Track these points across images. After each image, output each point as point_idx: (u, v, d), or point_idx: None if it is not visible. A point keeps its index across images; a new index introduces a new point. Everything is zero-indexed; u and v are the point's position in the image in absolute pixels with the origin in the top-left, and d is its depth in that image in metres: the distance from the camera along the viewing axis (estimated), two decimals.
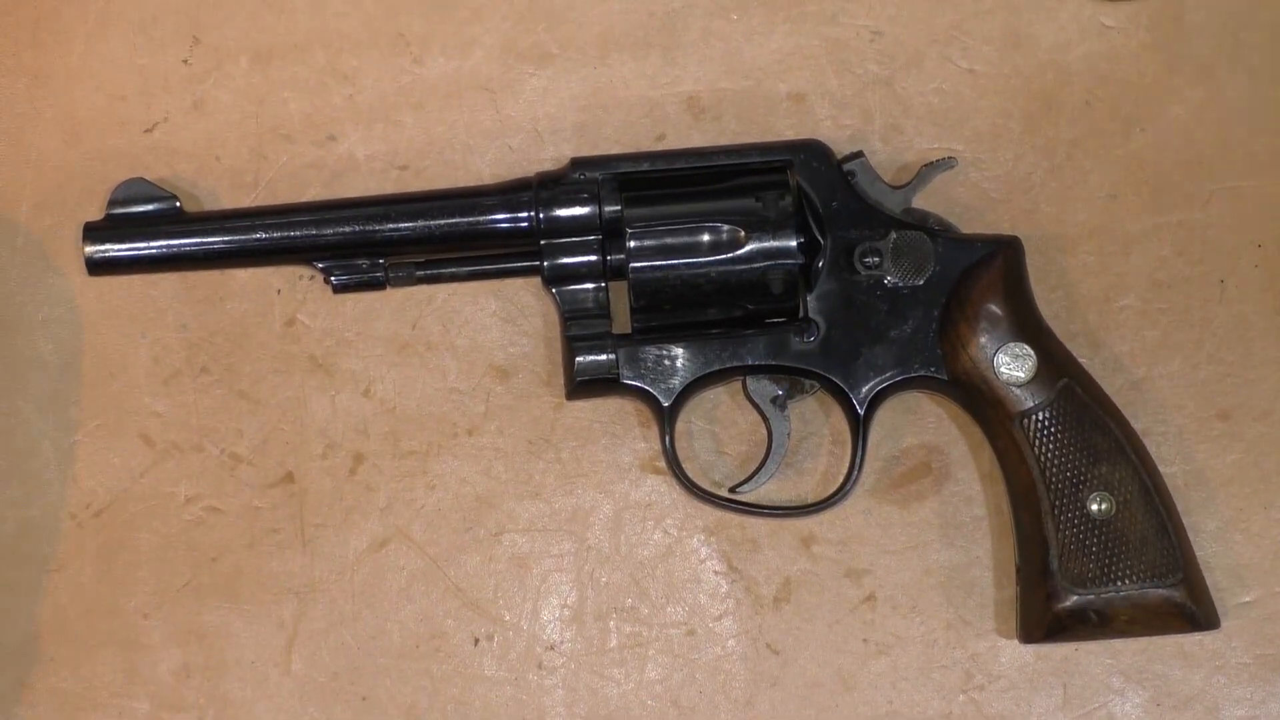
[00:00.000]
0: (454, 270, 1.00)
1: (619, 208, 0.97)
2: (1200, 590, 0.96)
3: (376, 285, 1.00)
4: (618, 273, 0.97)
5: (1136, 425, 0.99)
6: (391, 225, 0.98)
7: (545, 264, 0.97)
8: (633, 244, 0.96)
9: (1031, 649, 1.01)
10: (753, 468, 1.01)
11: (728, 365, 0.98)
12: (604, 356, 0.97)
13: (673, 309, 0.96)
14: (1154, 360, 1.03)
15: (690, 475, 1.00)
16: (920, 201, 1.00)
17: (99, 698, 1.02)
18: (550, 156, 1.04)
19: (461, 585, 1.03)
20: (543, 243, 0.97)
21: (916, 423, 1.03)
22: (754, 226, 0.95)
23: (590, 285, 0.98)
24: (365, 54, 1.05)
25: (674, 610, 1.02)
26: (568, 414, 1.03)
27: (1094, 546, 0.95)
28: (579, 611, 1.02)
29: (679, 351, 0.98)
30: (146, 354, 1.04)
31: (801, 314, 0.97)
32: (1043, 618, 0.96)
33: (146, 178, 1.00)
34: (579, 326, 0.98)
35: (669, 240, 0.95)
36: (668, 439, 0.98)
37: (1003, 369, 0.96)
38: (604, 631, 1.03)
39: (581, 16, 1.05)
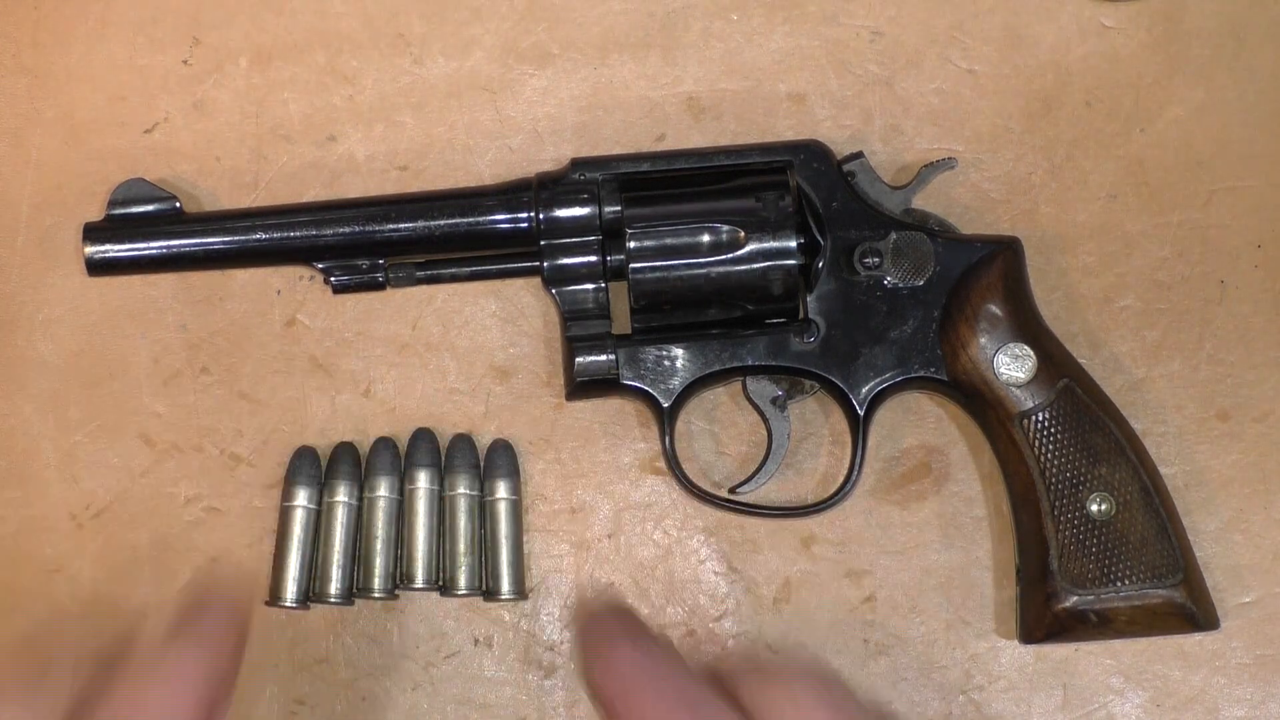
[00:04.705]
0: (454, 271, 1.00)
1: (619, 208, 0.96)
2: (1200, 591, 0.96)
3: (376, 286, 1.00)
4: (618, 273, 0.97)
5: (1136, 425, 0.99)
6: (391, 226, 0.98)
7: (545, 264, 0.97)
8: (632, 244, 0.95)
9: (1031, 649, 1.01)
10: (753, 468, 1.01)
11: (728, 366, 0.97)
12: (604, 357, 0.97)
13: (673, 309, 0.96)
14: (1154, 360, 1.03)
15: (690, 476, 1.00)
16: (920, 202, 1.00)
17: None
18: (550, 157, 1.04)
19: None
20: (542, 243, 0.97)
21: (916, 423, 1.03)
22: (754, 227, 0.95)
23: (590, 286, 0.98)
24: (365, 54, 1.05)
25: (674, 611, 1.02)
26: (568, 414, 1.03)
27: (1094, 547, 0.95)
28: (579, 612, 1.02)
29: (679, 352, 0.98)
30: (146, 354, 1.04)
31: (801, 314, 0.97)
32: (1043, 618, 0.96)
33: (146, 178, 1.00)
34: (579, 327, 0.98)
35: (669, 241, 0.95)
36: (667, 439, 0.98)
37: (1002, 369, 0.96)
38: None
39: (581, 17, 1.05)
